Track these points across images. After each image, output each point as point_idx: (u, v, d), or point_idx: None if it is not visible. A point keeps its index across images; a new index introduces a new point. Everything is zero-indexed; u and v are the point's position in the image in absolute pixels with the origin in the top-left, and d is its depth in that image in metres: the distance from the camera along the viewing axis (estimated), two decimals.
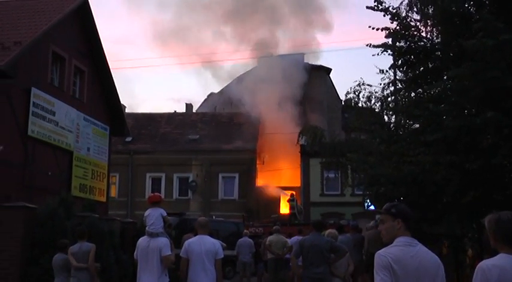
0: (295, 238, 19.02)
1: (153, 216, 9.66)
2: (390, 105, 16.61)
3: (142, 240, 9.60)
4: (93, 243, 11.86)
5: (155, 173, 43.80)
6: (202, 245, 8.70)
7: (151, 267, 9.26)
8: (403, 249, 4.29)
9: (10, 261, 14.50)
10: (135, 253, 9.63)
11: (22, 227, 14.83)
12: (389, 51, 14.10)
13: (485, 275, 3.96)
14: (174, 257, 9.50)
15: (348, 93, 20.88)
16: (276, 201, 41.54)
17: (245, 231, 24.15)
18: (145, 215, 9.83)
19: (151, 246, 9.35)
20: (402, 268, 4.21)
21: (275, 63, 48.46)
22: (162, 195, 13.36)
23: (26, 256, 14.66)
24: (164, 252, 9.25)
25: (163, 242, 9.41)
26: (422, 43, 13.56)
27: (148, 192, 42.29)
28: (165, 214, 9.84)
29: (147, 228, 9.69)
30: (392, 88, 16.10)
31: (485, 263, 4.07)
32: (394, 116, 16.68)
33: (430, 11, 13.70)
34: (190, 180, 43.73)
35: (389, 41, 14.09)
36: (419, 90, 14.09)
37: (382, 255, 4.30)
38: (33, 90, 20.26)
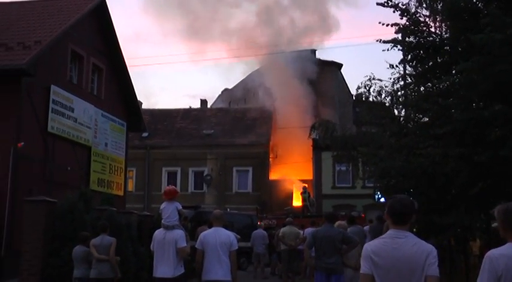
0: (309, 229, 19.34)
1: (169, 210, 9.77)
2: (400, 99, 16.74)
3: (158, 233, 9.72)
4: (112, 235, 12.14)
5: (171, 167, 44.15)
6: (217, 237, 8.78)
7: (167, 258, 9.38)
8: (386, 242, 4.37)
9: (32, 253, 14.83)
10: (151, 245, 9.76)
11: (43, 221, 15.12)
12: (399, 46, 14.26)
13: (493, 263, 4.03)
14: (190, 249, 9.64)
15: (358, 87, 20.94)
16: (289, 194, 41.87)
17: (259, 223, 24.44)
18: (161, 208, 9.96)
19: (167, 239, 9.46)
20: (382, 259, 4.29)
21: (287, 59, 48.58)
22: (178, 189, 13.45)
23: (47, 248, 14.96)
24: (179, 244, 9.36)
25: (179, 234, 9.51)
26: (431, 38, 13.72)
27: (164, 186, 42.63)
28: (180, 207, 9.97)
29: (162, 221, 9.80)
30: (402, 82, 16.25)
31: (492, 252, 4.12)
32: (404, 110, 16.75)
33: (439, 6, 13.82)
34: (205, 174, 44.03)
35: (399, 36, 14.21)
36: (429, 84, 14.24)
37: (365, 247, 4.50)
38: (53, 87, 20.70)
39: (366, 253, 4.41)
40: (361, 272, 4.44)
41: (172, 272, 9.36)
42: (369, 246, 4.47)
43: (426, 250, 4.28)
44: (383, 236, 4.51)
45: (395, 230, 4.39)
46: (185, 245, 9.50)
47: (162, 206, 9.98)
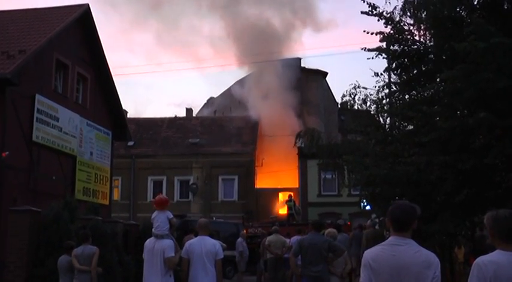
0: (295, 238, 19.38)
1: (159, 219, 9.78)
2: (385, 107, 16.80)
3: (148, 242, 9.74)
4: (97, 245, 12.10)
5: (157, 176, 44.05)
6: (203, 246, 8.84)
7: (156, 268, 9.39)
8: (385, 249, 4.31)
9: (17, 264, 14.75)
10: (143, 253, 9.77)
11: (28, 230, 15.06)
12: (383, 54, 14.35)
13: (482, 270, 4.05)
14: (178, 259, 9.58)
15: (343, 96, 20.99)
16: (275, 202, 41.95)
17: (242, 232, 24.59)
18: (152, 217, 9.95)
19: (156, 248, 9.48)
20: (380, 266, 4.24)
21: (272, 68, 48.74)
22: None
23: (32, 258, 14.90)
24: (167, 254, 9.36)
25: (167, 243, 9.52)
26: (415, 46, 13.81)
27: (150, 195, 42.73)
28: (172, 217, 9.95)
29: (153, 230, 9.82)
30: (387, 91, 16.32)
31: (481, 259, 4.14)
32: (388, 118, 16.84)
33: (423, 15, 13.92)
34: (191, 182, 43.98)
35: (384, 44, 14.29)
36: (413, 92, 14.32)
37: (364, 254, 4.44)
38: (38, 97, 20.57)
39: (365, 261, 4.35)
40: (360, 280, 4.38)
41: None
42: (368, 253, 4.40)
43: (429, 260, 4.22)
44: (383, 242, 4.44)
45: (396, 236, 4.33)
46: (172, 254, 9.47)
47: (154, 215, 9.97)
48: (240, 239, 22.89)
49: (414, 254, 4.22)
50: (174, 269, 9.75)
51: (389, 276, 4.20)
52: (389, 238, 4.38)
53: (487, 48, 10.31)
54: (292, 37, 59.20)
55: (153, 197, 41.07)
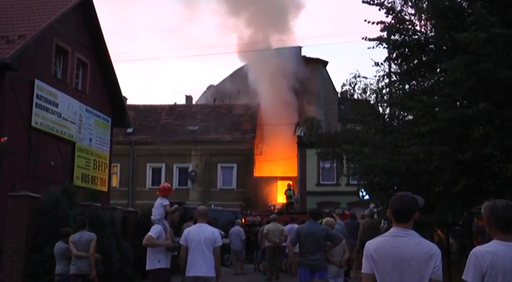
0: (289, 226, 19.48)
1: (157, 206, 10.32)
2: (385, 97, 16.77)
3: None
4: (95, 231, 12.12)
5: (155, 163, 44.06)
6: (202, 233, 8.86)
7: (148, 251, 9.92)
8: (387, 240, 4.30)
9: (15, 249, 14.75)
10: None
11: (26, 216, 15.03)
12: (384, 44, 14.32)
13: (478, 260, 4.07)
14: (167, 243, 9.95)
15: (343, 85, 20.97)
16: (274, 191, 42.00)
17: (237, 221, 24.62)
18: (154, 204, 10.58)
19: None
20: (381, 257, 4.24)
21: (273, 56, 48.62)
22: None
23: (30, 244, 14.92)
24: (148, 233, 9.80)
25: (153, 227, 10.01)
26: (416, 36, 13.81)
27: (149, 182, 42.94)
28: (166, 203, 10.37)
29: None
30: (387, 80, 16.27)
31: (478, 249, 4.16)
32: (388, 108, 16.82)
33: (424, 5, 13.91)
34: (189, 170, 43.99)
35: (385, 34, 14.28)
36: (413, 82, 14.31)
37: (366, 245, 4.43)
38: (37, 82, 20.58)
39: (367, 252, 4.34)
40: (362, 271, 4.39)
41: (147, 266, 9.83)
42: (371, 244, 4.38)
43: (430, 251, 4.22)
44: (385, 233, 4.43)
45: (398, 228, 4.33)
46: (150, 234, 9.78)
47: (155, 202, 10.62)
48: (239, 228, 22.82)
49: (415, 246, 4.22)
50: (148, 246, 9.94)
51: (391, 267, 4.20)
52: (391, 229, 4.37)
53: (487, 39, 10.33)
54: (292, 24, 58.80)
55: (152, 184, 41.30)
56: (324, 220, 11.94)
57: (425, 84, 13.34)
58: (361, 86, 19.56)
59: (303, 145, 39.70)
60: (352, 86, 20.13)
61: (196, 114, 47.78)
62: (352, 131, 20.57)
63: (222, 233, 11.82)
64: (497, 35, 10.30)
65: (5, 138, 18.38)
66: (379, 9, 13.80)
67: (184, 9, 79.82)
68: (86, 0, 24.29)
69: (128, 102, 45.20)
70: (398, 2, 14.31)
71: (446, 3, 12.47)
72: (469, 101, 11.67)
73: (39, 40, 20.68)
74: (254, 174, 43.62)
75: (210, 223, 9.47)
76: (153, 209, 10.46)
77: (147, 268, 9.83)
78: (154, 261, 9.69)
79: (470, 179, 12.07)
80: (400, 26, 13.69)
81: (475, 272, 4.07)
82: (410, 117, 14.26)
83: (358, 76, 19.67)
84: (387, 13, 13.74)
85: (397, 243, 4.23)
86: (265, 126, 45.98)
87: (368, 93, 19.14)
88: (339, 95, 30.78)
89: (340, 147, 20.28)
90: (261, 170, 44.28)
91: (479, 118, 10.80)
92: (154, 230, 9.84)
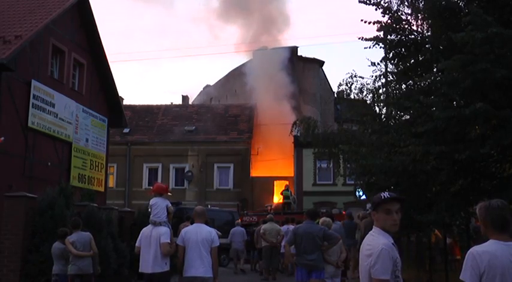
0: (285, 227, 19.50)
1: (159, 207, 9.92)
2: (381, 97, 16.78)
3: (145, 229, 9.87)
4: (92, 231, 12.13)
5: (152, 163, 44.08)
6: (199, 234, 8.86)
7: (151, 254, 9.51)
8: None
9: (12, 249, 14.71)
10: (137, 240, 9.88)
11: (23, 216, 14.98)
12: (380, 44, 14.27)
13: (476, 260, 4.08)
14: (172, 245, 9.61)
15: (340, 85, 20.90)
16: (270, 191, 42.00)
17: (237, 221, 24.59)
18: (150, 203, 10.09)
19: (153, 235, 9.62)
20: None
21: (269, 56, 48.64)
22: None
23: (27, 244, 14.89)
24: (162, 240, 9.48)
25: (164, 230, 9.66)
26: (413, 36, 13.77)
27: (145, 182, 42.84)
28: (170, 205, 10.14)
29: (151, 217, 9.96)
30: (383, 80, 16.28)
31: (475, 249, 4.17)
32: (385, 108, 16.81)
33: (421, 5, 13.90)
34: (186, 170, 44.01)
35: (381, 34, 14.25)
36: (410, 82, 14.28)
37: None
38: (34, 82, 20.56)
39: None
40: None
41: (152, 268, 9.47)
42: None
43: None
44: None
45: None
46: (168, 241, 9.56)
47: (152, 201, 10.13)
48: (241, 228, 22.77)
49: None
50: (168, 254, 9.75)
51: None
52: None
53: (484, 39, 10.30)
54: (288, 24, 58.86)
55: (149, 185, 41.23)
56: (321, 220, 11.94)
57: (422, 84, 13.31)
58: (358, 86, 19.48)
59: (299, 145, 39.69)
60: (349, 85, 20.04)
61: (193, 115, 47.80)
62: (349, 131, 20.54)
63: (219, 233, 11.82)
64: (494, 34, 10.27)
65: (2, 138, 18.34)
66: (376, 9, 13.75)
67: (181, 9, 79.89)
68: (82, 0, 24.27)
69: (125, 102, 45.21)
70: (394, 1, 14.28)
71: (443, 2, 12.44)
72: (465, 101, 11.63)
73: (35, 40, 20.66)
74: (251, 175, 43.64)
75: (207, 223, 9.46)
76: (149, 209, 10.19)
77: (154, 271, 9.49)
78: (163, 264, 9.57)
79: (467, 179, 12.05)
80: (396, 25, 13.64)
81: (473, 272, 4.07)
82: (407, 117, 14.26)
83: (355, 76, 19.61)
84: (384, 13, 13.71)
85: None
86: (262, 126, 45.99)
87: (364, 93, 19.07)
88: (336, 95, 30.74)
89: (337, 147, 20.28)
90: (258, 170, 44.30)
91: (476, 118, 10.76)
92: (167, 235, 9.63)
